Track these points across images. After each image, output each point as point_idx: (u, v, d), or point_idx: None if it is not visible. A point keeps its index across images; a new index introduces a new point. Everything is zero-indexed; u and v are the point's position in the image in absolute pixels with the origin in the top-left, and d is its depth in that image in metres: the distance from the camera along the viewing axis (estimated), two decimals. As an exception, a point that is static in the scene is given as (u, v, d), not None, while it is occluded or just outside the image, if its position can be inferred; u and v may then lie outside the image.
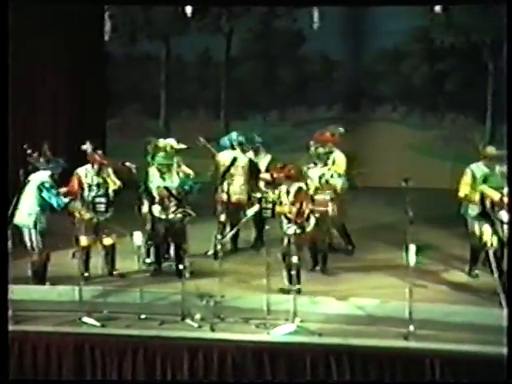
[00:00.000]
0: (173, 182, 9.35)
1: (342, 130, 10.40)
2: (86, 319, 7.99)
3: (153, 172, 9.48)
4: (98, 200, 9.03)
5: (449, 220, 10.41)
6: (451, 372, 7.26)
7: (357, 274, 9.37)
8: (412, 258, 7.72)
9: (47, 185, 8.85)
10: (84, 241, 9.18)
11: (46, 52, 12.18)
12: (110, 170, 9.56)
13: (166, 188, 9.25)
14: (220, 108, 14.84)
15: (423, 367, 7.27)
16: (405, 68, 14.29)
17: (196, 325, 7.92)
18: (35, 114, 12.03)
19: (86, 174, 9.39)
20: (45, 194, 8.81)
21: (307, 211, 8.77)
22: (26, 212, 8.82)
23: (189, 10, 11.50)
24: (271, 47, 14.61)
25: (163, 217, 9.25)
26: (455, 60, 14.01)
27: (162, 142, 9.88)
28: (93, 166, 9.42)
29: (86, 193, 9.32)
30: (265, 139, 10.79)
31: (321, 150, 9.83)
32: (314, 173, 9.63)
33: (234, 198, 10.20)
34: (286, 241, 8.67)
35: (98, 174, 9.37)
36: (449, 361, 7.28)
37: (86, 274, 9.15)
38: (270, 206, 8.58)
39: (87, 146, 9.49)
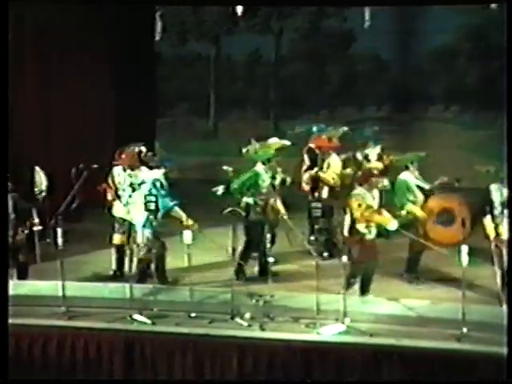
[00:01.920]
0: (276, 179, 9.32)
1: (345, 128, 10.05)
2: (136, 316, 8.03)
3: (263, 170, 9.26)
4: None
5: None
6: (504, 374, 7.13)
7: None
8: (464, 259, 7.62)
9: (158, 184, 8.85)
10: (116, 239, 9.30)
11: (98, 52, 12.31)
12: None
13: (273, 185, 9.21)
14: (269, 107, 14.85)
15: (476, 369, 7.18)
16: (457, 67, 14.10)
17: (246, 324, 7.90)
18: (85, 114, 12.18)
19: (118, 174, 9.37)
20: (155, 193, 8.78)
21: None
22: (138, 210, 8.86)
23: (239, 9, 11.51)
24: (321, 47, 14.56)
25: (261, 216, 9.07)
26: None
27: (270, 141, 9.56)
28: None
29: (120, 192, 9.31)
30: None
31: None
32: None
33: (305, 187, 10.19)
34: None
35: (131, 173, 9.27)
36: (502, 363, 7.14)
37: (118, 273, 9.28)
38: (319, 205, 8.53)
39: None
